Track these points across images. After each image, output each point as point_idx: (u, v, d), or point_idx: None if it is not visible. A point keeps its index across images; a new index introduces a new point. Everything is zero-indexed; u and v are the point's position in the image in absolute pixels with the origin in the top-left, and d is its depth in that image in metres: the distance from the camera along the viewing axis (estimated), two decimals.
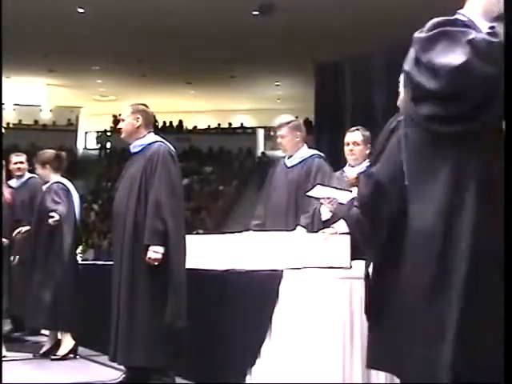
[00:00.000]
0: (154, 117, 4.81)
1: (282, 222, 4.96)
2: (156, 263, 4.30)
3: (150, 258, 4.30)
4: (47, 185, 5.87)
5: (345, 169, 4.84)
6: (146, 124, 4.64)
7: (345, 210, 4.47)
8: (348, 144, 4.74)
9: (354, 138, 4.73)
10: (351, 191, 3.53)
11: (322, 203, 4.61)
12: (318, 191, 4.20)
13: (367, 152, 4.69)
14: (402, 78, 3.66)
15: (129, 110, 4.66)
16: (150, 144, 4.58)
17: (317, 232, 4.56)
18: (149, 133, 4.65)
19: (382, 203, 3.30)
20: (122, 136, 4.68)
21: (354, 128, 4.80)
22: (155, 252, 4.29)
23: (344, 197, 4.10)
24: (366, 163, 4.71)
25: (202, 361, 4.53)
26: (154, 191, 4.37)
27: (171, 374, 4.46)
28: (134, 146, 4.64)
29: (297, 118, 29.59)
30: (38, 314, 5.63)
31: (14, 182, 6.77)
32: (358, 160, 4.72)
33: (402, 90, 3.67)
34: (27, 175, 6.93)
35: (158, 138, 4.65)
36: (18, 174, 6.84)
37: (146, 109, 4.71)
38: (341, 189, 4.04)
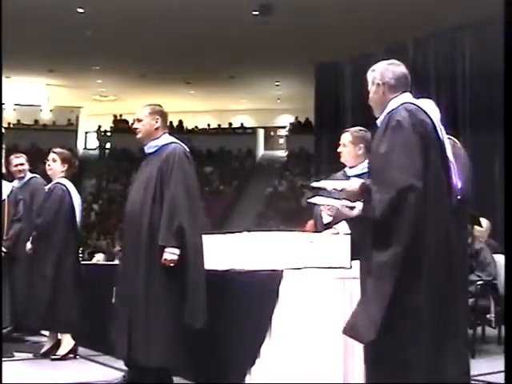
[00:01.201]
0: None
1: None
2: (172, 264, 4.25)
3: (165, 259, 4.25)
4: (49, 185, 5.88)
5: (346, 169, 4.87)
6: (164, 125, 4.63)
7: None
8: (339, 145, 4.83)
9: (342, 139, 4.83)
10: (351, 201, 3.46)
11: (322, 210, 4.67)
12: (318, 199, 4.14)
13: (359, 153, 4.73)
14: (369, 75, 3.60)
15: (147, 111, 4.62)
16: (165, 145, 4.55)
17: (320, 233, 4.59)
18: (164, 134, 4.63)
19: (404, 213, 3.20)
20: (139, 136, 4.62)
21: (346, 129, 4.88)
22: (171, 253, 4.25)
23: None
24: (365, 164, 4.74)
25: (202, 361, 4.52)
26: (170, 192, 4.33)
27: (170, 373, 4.46)
28: (149, 147, 4.61)
29: (297, 118, 29.21)
30: (39, 314, 5.63)
31: (15, 183, 6.80)
32: (348, 161, 4.80)
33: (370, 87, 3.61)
34: (28, 175, 6.96)
35: (173, 139, 4.63)
36: (20, 175, 6.90)
37: (163, 110, 4.69)
38: (340, 198, 3.94)
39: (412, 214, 3.17)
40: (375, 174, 3.30)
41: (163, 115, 4.65)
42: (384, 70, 3.50)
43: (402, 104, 3.41)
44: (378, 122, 3.52)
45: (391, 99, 3.46)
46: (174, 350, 4.29)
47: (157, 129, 4.58)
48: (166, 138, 4.61)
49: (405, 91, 3.49)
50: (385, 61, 3.58)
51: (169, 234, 4.25)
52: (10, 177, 6.85)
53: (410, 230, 3.18)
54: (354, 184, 3.40)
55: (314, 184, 3.71)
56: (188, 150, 4.61)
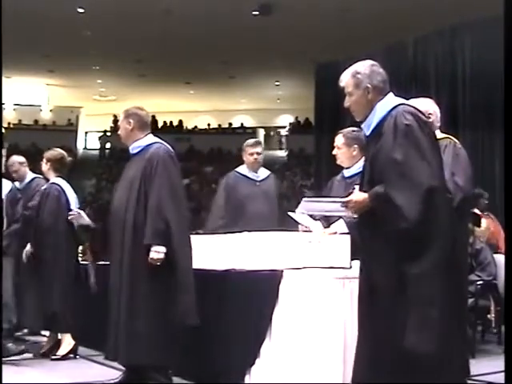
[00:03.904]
0: (151, 117, 4.81)
1: None
2: (158, 263, 4.27)
3: (152, 258, 4.27)
4: (46, 185, 5.89)
5: (344, 171, 4.88)
6: (140, 126, 4.64)
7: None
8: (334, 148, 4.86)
9: (336, 142, 4.86)
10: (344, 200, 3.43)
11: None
12: (305, 207, 3.97)
13: (354, 153, 4.74)
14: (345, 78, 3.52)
15: (122, 115, 4.72)
16: (148, 145, 4.59)
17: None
18: (146, 134, 4.66)
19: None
20: (122, 140, 4.75)
21: (339, 131, 4.89)
22: (157, 252, 4.27)
23: (335, 210, 3.65)
24: (361, 163, 4.73)
25: (202, 361, 4.53)
26: (155, 192, 4.36)
27: (169, 374, 4.46)
28: (133, 148, 4.66)
29: (297, 118, 29.20)
30: (40, 315, 5.64)
31: (17, 184, 6.76)
32: (344, 163, 4.84)
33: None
34: (30, 175, 6.91)
35: (156, 139, 4.66)
36: (14, 176, 6.86)
37: (138, 111, 4.70)
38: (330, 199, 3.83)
39: (443, 214, 3.18)
40: (392, 181, 3.21)
41: (138, 117, 4.66)
42: (371, 73, 3.42)
43: (398, 106, 3.36)
44: (366, 125, 3.44)
45: (377, 101, 3.40)
46: (159, 349, 4.31)
47: (132, 130, 4.63)
48: (150, 139, 4.65)
49: (388, 91, 3.46)
50: (363, 62, 3.49)
51: (154, 234, 4.27)
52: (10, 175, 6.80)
53: (445, 231, 3.18)
54: (359, 197, 3.36)
55: (305, 208, 3.63)
56: (172, 149, 4.63)
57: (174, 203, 4.38)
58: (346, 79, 3.46)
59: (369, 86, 3.40)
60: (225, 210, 5.90)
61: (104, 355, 4.69)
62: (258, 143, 6.13)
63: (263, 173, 6.14)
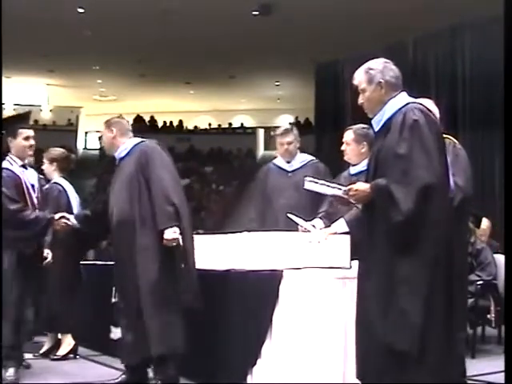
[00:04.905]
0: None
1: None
2: (174, 243, 4.32)
3: (167, 239, 4.31)
4: (47, 185, 5.88)
5: (350, 168, 4.86)
6: (122, 133, 4.75)
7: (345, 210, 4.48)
8: (342, 143, 4.82)
9: (345, 137, 4.82)
10: (343, 186, 3.45)
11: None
12: (315, 186, 3.99)
13: (362, 150, 4.71)
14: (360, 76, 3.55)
15: (104, 126, 4.80)
16: (135, 146, 4.67)
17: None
18: (130, 138, 4.75)
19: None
20: (106, 152, 4.86)
21: (349, 127, 4.86)
22: (174, 232, 4.32)
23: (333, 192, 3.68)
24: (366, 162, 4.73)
25: (203, 361, 4.53)
26: (157, 178, 4.44)
27: (175, 373, 4.44)
28: (120, 152, 4.73)
29: (297, 118, 29.10)
30: (40, 316, 5.63)
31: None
32: (352, 159, 4.79)
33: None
34: None
35: (140, 139, 4.74)
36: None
37: (119, 120, 4.84)
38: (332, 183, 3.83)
39: (438, 211, 3.19)
40: (394, 175, 3.24)
41: (119, 124, 4.78)
42: (384, 69, 3.47)
43: (408, 103, 3.38)
44: (376, 121, 3.47)
45: (390, 98, 3.44)
46: (183, 335, 4.35)
47: (115, 137, 4.74)
48: (134, 140, 4.74)
49: (402, 90, 3.49)
50: (376, 60, 3.54)
51: (166, 217, 4.34)
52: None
53: (438, 230, 3.19)
54: (360, 186, 3.37)
55: (308, 187, 3.65)
56: (158, 143, 4.72)
57: (177, 188, 4.49)
58: (359, 76, 3.51)
59: (381, 81, 3.43)
60: (254, 204, 5.69)
61: (122, 357, 4.66)
62: (287, 131, 5.57)
63: (298, 162, 5.58)
